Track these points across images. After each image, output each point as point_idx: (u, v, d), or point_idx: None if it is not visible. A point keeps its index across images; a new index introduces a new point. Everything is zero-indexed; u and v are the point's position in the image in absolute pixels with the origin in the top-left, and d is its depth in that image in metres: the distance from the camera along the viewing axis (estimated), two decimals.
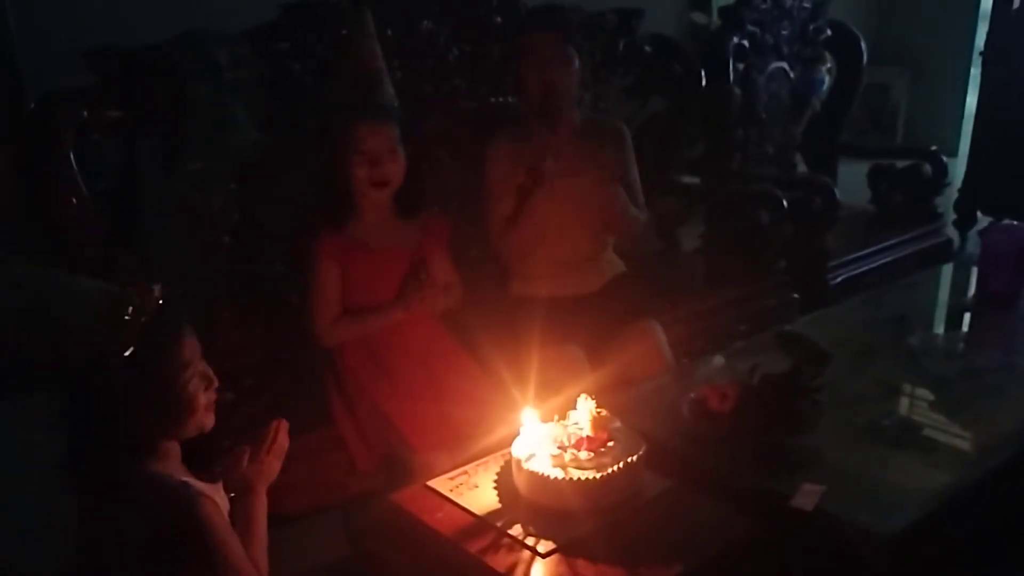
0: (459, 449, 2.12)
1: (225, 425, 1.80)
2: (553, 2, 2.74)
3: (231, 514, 1.69)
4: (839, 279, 3.66)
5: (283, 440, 1.83)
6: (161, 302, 1.57)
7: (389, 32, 2.75)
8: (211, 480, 1.67)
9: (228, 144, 2.47)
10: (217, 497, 1.64)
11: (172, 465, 1.60)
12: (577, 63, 2.60)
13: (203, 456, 1.70)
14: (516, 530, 1.75)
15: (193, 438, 1.66)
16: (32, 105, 2.41)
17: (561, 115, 2.59)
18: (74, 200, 2.26)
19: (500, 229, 2.62)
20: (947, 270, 3.39)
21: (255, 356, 2.45)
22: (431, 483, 1.93)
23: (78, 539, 1.60)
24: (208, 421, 1.65)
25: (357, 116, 2.36)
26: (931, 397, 2.31)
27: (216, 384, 1.66)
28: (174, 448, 1.62)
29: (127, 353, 1.50)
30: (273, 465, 1.80)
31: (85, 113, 2.30)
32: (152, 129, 2.43)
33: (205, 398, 1.64)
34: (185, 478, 1.59)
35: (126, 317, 1.51)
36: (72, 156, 2.26)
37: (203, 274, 2.46)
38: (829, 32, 4.12)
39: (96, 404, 1.53)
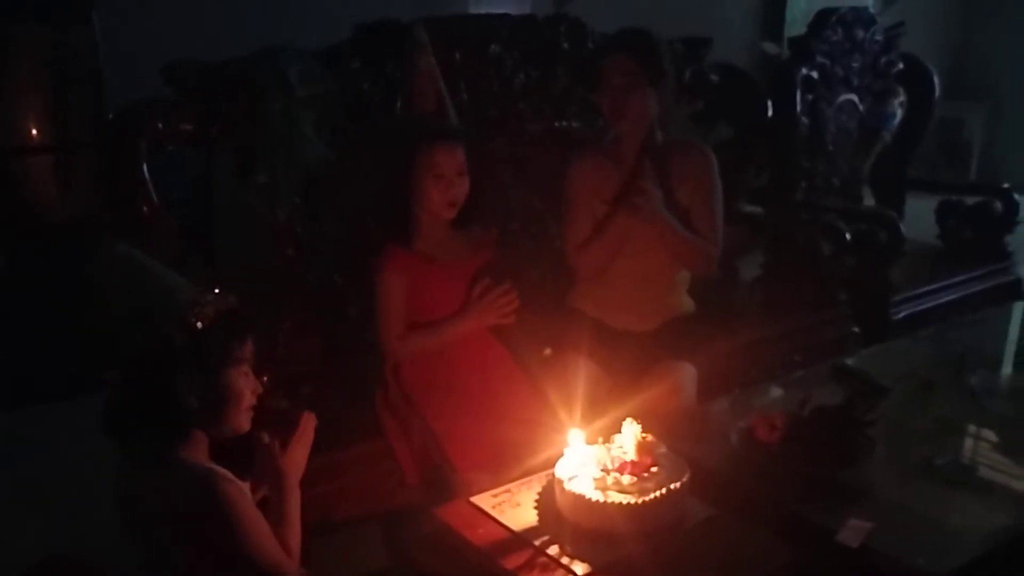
0: (501, 470, 2.12)
1: (278, 431, 1.85)
2: (632, 27, 2.63)
3: (266, 506, 1.76)
4: (902, 314, 3.60)
5: (310, 432, 1.88)
6: (234, 308, 1.70)
7: (457, 55, 2.80)
8: (240, 477, 1.73)
9: (296, 158, 2.52)
10: (244, 488, 1.70)
11: (201, 456, 1.68)
12: (653, 89, 2.52)
13: (239, 459, 1.77)
14: (554, 550, 1.76)
15: (233, 442, 1.74)
16: (111, 116, 2.51)
17: (633, 140, 2.57)
18: (146, 208, 2.34)
19: (576, 247, 2.63)
20: (1016, 308, 3.30)
21: (313, 365, 2.49)
22: (474, 499, 1.95)
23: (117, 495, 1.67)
24: (244, 423, 1.74)
25: (434, 140, 2.38)
26: (989, 437, 2.26)
27: (260, 392, 1.75)
28: (204, 441, 1.70)
29: (190, 340, 1.61)
30: (302, 455, 1.86)
31: (161, 125, 2.39)
32: (226, 142, 2.50)
33: (247, 401, 1.72)
34: (212, 466, 1.66)
35: (200, 311, 1.63)
36: (146, 166, 2.35)
37: (268, 284, 2.53)
38: (901, 66, 4.09)
39: (150, 380, 1.62)
